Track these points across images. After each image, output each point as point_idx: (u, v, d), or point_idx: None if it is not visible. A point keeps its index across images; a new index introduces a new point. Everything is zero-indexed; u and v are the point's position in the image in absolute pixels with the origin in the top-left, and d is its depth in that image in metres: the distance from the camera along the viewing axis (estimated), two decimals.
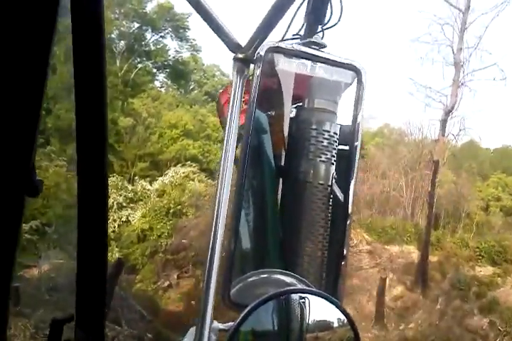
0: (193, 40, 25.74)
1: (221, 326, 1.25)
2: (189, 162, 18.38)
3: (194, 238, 14.06)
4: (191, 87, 27.11)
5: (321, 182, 1.42)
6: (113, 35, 23.39)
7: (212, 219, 1.30)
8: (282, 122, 1.46)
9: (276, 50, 1.36)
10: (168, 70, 26.49)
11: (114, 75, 21.91)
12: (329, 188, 1.42)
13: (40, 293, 9.83)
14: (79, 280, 0.95)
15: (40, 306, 9.32)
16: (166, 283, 14.01)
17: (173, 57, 26.49)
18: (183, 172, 17.58)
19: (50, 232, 12.94)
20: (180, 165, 18.25)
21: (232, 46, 1.38)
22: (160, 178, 17.59)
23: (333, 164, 1.43)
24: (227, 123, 1.36)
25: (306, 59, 1.40)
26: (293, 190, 1.45)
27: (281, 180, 1.48)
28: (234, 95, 1.37)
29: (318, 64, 1.41)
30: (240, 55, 1.36)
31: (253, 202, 1.46)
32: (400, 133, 22.30)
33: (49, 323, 0.95)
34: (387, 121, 26.38)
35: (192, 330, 1.29)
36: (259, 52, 1.33)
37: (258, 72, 1.33)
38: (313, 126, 1.44)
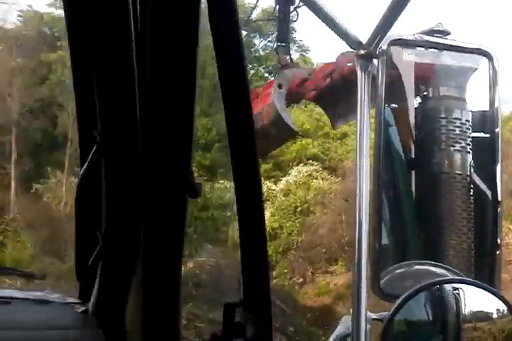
0: (301, 40, 25.85)
1: (374, 316, 1.28)
2: (310, 161, 18.43)
3: (324, 235, 14.09)
4: None
5: (458, 172, 1.39)
6: None
7: (354, 215, 1.32)
8: (408, 114, 1.45)
9: (398, 42, 1.36)
10: None
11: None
12: (468, 178, 1.38)
13: (188, 288, 10.47)
14: (244, 267, 1.01)
15: (189, 300, 9.91)
16: (301, 279, 14.19)
17: None
18: (306, 171, 17.68)
19: (190, 232, 13.76)
20: (302, 164, 18.38)
21: (353, 44, 1.39)
22: (284, 178, 17.85)
23: (469, 152, 1.39)
24: (358, 120, 1.36)
25: (430, 48, 1.38)
26: (428, 182, 1.43)
27: (413, 172, 1.47)
28: (361, 92, 1.37)
29: (443, 52, 1.37)
30: (362, 52, 1.36)
31: (386, 196, 1.45)
32: None
33: (222, 307, 1.04)
34: None
35: (345, 318, 1.34)
36: (381, 47, 1.33)
37: (382, 65, 1.34)
38: (442, 115, 1.41)
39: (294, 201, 16.11)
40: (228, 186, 15.12)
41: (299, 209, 15.72)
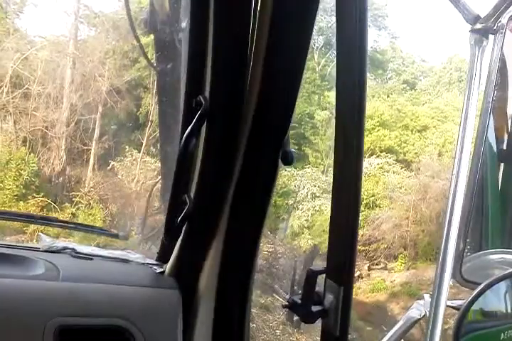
0: (391, 27, 24.91)
1: (449, 303, 1.28)
2: (384, 153, 17.88)
3: (387, 230, 13.69)
4: (388, 76, 26.32)
5: None
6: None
7: (446, 205, 1.33)
8: (506, 103, 1.38)
9: None
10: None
11: (312, 70, 22.51)
12: None
13: None
14: (331, 234, 1.06)
15: None
16: (357, 273, 13.95)
17: (371, 47, 26.04)
18: (378, 164, 17.21)
19: None
20: (374, 156, 17.89)
21: (471, 18, 1.34)
22: None
23: None
24: (465, 101, 1.31)
25: None
26: None
27: (502, 165, 1.42)
28: (473, 70, 1.29)
29: None
30: (479, 26, 1.30)
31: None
32: None
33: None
34: None
35: (417, 302, 1.38)
36: (500, 21, 1.26)
37: (498, 42, 1.26)
38: None
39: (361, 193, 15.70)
40: (295, 174, 15.09)
41: (364, 202, 15.35)
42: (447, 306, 1.24)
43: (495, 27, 1.26)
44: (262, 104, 0.93)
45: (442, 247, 1.25)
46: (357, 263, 14.61)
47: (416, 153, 16.51)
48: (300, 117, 19.01)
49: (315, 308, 1.02)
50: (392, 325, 1.58)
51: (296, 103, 0.95)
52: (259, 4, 0.94)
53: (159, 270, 1.54)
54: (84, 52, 17.26)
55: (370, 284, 13.37)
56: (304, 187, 15.43)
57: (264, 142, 0.96)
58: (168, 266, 1.50)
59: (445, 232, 1.25)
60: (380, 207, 15.10)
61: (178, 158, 1.23)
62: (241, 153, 1.03)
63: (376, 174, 16.57)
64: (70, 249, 1.60)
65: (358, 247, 14.98)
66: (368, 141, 18.94)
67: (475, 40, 1.29)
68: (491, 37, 1.29)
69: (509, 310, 1.09)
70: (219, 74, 1.09)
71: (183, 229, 1.32)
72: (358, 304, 11.69)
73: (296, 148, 17.57)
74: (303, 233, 14.48)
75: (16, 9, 17.12)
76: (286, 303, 1.06)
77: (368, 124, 21.51)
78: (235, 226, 1.11)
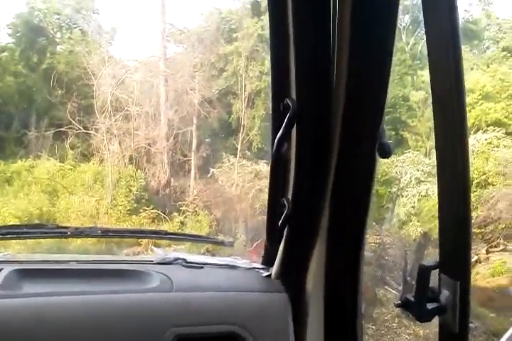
0: None
1: None
2: (491, 127, 16.58)
3: (504, 209, 12.66)
4: (486, 46, 24.42)
5: None
6: None
7: None
8: None
9: None
10: None
11: (401, 51, 21.57)
12: None
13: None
14: (442, 227, 1.01)
15: None
16: (474, 258, 13.04)
17: (463, 18, 24.35)
18: (486, 139, 16.00)
19: None
20: (481, 131, 16.65)
21: None
22: None
23: None
24: None
25: None
26: None
27: None
28: None
29: None
30: None
31: None
32: None
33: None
34: None
35: None
36: None
37: None
38: None
39: (471, 172, 14.71)
40: (395, 161, 14.54)
41: (475, 181, 14.32)
42: None
43: None
44: (351, 98, 0.91)
45: None
46: (474, 247, 13.67)
47: None
48: (394, 101, 18.27)
49: (430, 305, 0.98)
50: None
51: (389, 87, 0.90)
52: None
53: (265, 274, 1.58)
54: (175, 69, 18.10)
55: (490, 268, 12.43)
56: (407, 172, 14.77)
57: (358, 137, 0.94)
58: (273, 269, 1.54)
59: None
60: (493, 184, 14.00)
61: (271, 162, 1.25)
62: (335, 152, 1.02)
63: (485, 150, 15.39)
64: (181, 259, 1.70)
65: (474, 230, 14.03)
66: (472, 116, 17.67)
67: None
68: None
69: None
70: (303, 75, 1.09)
71: (285, 231, 1.33)
72: (478, 290, 10.92)
73: (394, 133, 16.85)
74: (411, 220, 13.85)
75: (108, 38, 18.39)
76: (399, 302, 1.02)
77: (470, 99, 20.11)
78: (336, 225, 1.09)
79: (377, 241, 12.37)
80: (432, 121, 0.87)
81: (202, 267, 1.67)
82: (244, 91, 17.54)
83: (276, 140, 1.20)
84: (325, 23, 0.97)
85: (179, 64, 18.44)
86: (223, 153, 16.95)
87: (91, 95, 16.20)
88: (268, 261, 1.60)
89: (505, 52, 23.32)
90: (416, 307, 1.00)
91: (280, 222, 1.29)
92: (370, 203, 1.02)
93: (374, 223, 13.28)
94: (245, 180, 15.38)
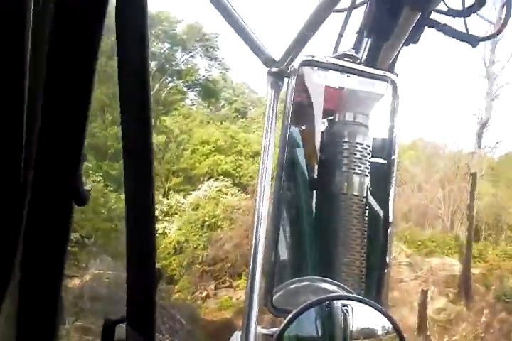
0: (222, 58, 26.17)
1: (265, 331, 1.26)
2: (222, 176, 18.46)
3: (229, 250, 14.02)
4: (221, 104, 27.46)
5: (355, 193, 1.42)
6: None
7: (252, 231, 1.30)
8: (314, 136, 1.45)
9: (310, 63, 1.35)
10: (198, 89, 26.93)
11: None
12: (364, 199, 1.42)
13: (83, 302, 9.89)
14: (129, 281, 0.90)
15: (83, 315, 9.37)
16: (204, 293, 13.98)
17: (203, 76, 26.93)
18: (216, 187, 17.68)
19: (89, 244, 13.07)
20: (213, 179, 18.35)
21: (266, 60, 1.38)
22: (194, 192, 17.72)
23: (367, 176, 1.42)
24: (263, 137, 1.35)
25: (339, 71, 1.39)
26: (327, 202, 1.44)
27: (314, 192, 1.47)
28: (269, 109, 1.36)
29: (351, 76, 1.39)
30: (274, 69, 1.35)
31: (288, 213, 1.45)
32: (434, 146, 21.93)
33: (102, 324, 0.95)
34: (420, 135, 25.93)
35: (236, 334, 1.30)
36: (293, 66, 1.32)
37: (292, 85, 1.32)
38: (346, 139, 1.43)
39: (202, 215, 15.99)
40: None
41: (206, 223, 15.58)
42: (264, 334, 1.25)
43: (288, 71, 1.34)
44: (44, 144, 0.81)
45: (249, 277, 1.26)
46: (203, 283, 14.61)
47: (251, 177, 17.37)
48: None
49: None
50: None
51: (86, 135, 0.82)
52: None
53: None
54: None
55: (218, 303, 13.45)
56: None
57: (50, 182, 0.83)
58: None
59: (251, 261, 1.28)
60: (221, 227, 15.44)
61: None
62: (26, 195, 0.83)
63: (216, 196, 16.94)
64: None
65: (204, 268, 15.03)
66: (206, 165, 19.36)
67: (271, 82, 1.37)
68: (286, 80, 1.36)
69: (320, 335, 1.17)
70: None
71: None
72: (208, 323, 11.65)
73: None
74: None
75: None
76: None
77: (205, 149, 22.01)
78: (29, 273, 0.92)
79: (111, 276, 12.04)
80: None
81: None
82: None
83: None
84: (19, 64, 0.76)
85: None
86: None
87: None
88: None
89: (236, 113, 26.55)
90: None
91: None
92: (66, 251, 0.94)
93: (109, 258, 12.97)
94: None
